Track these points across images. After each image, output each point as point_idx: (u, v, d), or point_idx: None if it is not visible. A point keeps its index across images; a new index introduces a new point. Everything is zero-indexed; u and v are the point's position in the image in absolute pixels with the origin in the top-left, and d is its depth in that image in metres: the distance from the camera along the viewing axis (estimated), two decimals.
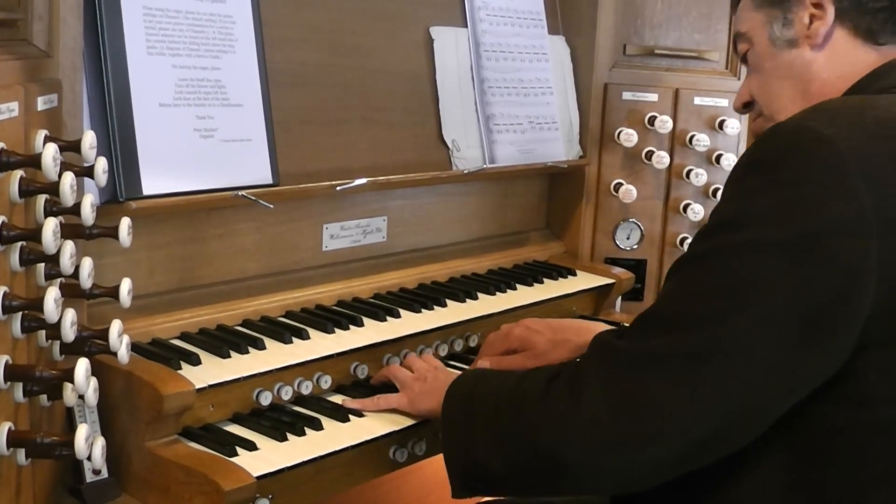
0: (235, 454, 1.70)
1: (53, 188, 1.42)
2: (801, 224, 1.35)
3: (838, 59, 1.64)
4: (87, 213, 1.48)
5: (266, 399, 1.87)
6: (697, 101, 2.86)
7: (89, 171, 1.52)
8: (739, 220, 1.41)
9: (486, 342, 2.18)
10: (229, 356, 1.88)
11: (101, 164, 1.53)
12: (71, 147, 1.51)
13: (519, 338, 2.12)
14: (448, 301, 2.32)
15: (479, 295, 2.40)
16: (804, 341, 1.36)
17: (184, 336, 1.97)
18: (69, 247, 1.44)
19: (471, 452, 1.63)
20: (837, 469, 1.41)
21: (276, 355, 1.92)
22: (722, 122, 2.84)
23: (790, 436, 1.43)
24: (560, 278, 2.65)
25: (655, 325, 1.45)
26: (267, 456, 1.71)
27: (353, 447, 1.79)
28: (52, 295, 1.37)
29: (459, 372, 1.99)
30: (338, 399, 1.96)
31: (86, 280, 1.52)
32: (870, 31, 1.62)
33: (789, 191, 1.37)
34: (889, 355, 1.38)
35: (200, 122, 1.96)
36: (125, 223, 1.57)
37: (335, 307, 2.23)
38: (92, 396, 1.48)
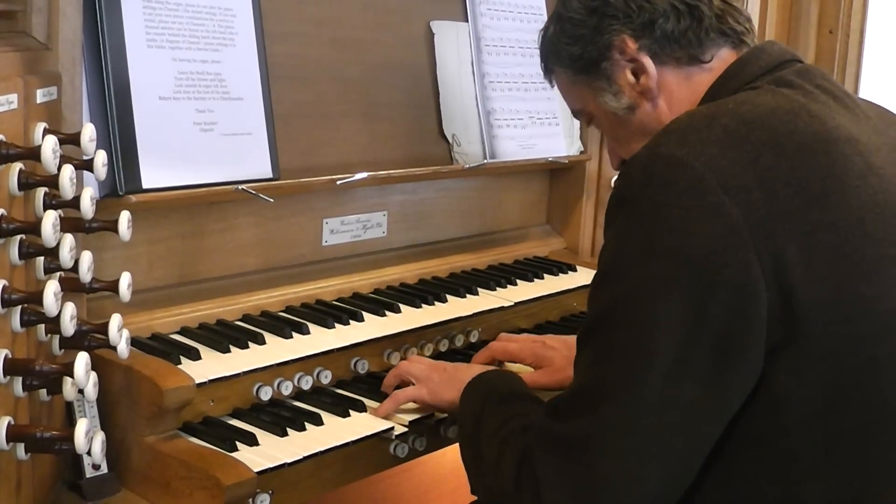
0: (236, 449, 1.69)
1: (53, 181, 1.42)
2: (674, 254, 1.34)
3: (679, 96, 1.62)
4: (87, 207, 1.47)
5: (266, 394, 1.86)
6: None
7: (89, 165, 1.52)
8: (617, 266, 1.41)
9: (492, 347, 2.14)
10: (229, 351, 1.87)
11: (101, 158, 1.53)
12: (70, 140, 1.51)
13: (534, 353, 2.10)
14: (448, 296, 2.32)
15: (480, 290, 2.39)
16: (720, 368, 1.35)
17: (183, 331, 1.96)
18: (69, 240, 1.43)
19: (475, 469, 1.66)
20: (768, 472, 1.41)
21: (276, 350, 1.91)
22: None
23: (719, 450, 1.42)
24: (560, 274, 2.64)
25: (582, 401, 1.43)
26: (267, 451, 1.70)
27: (353, 442, 1.78)
28: (52, 288, 1.36)
29: (475, 365, 1.99)
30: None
31: (85, 274, 1.51)
32: (692, 57, 1.61)
33: (655, 222, 1.36)
34: (793, 354, 1.37)
35: (200, 115, 1.96)
36: (125, 217, 1.57)
37: (335, 302, 2.22)
38: (91, 391, 1.47)
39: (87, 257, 1.51)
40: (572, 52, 1.68)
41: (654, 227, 1.36)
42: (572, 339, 2.14)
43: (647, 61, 1.61)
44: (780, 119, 1.43)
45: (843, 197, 1.39)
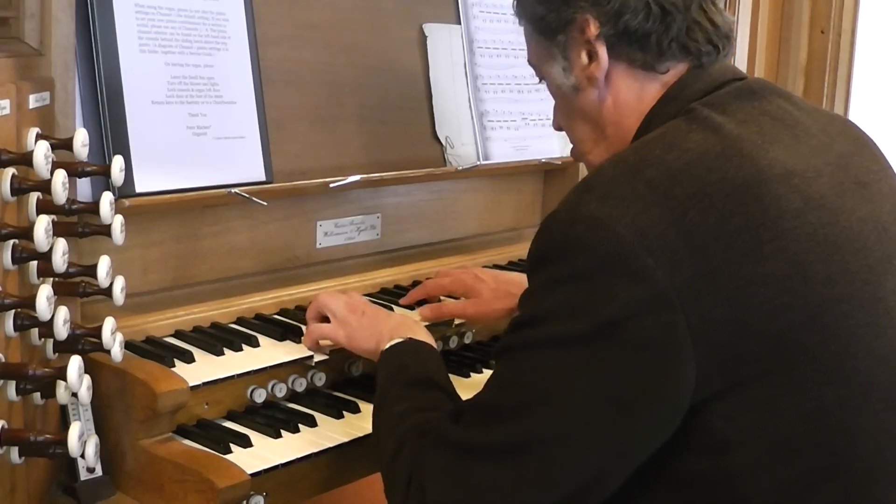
0: (230, 451, 1.70)
1: (45, 186, 1.42)
2: (594, 316, 1.32)
3: (627, 99, 1.57)
4: (106, 211, 1.51)
5: (260, 396, 1.87)
6: None
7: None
8: (536, 318, 1.39)
9: (426, 284, 2.24)
10: (223, 354, 1.88)
11: (118, 163, 1.56)
12: (63, 145, 1.52)
13: (464, 285, 2.18)
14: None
15: None
16: (620, 418, 1.34)
17: (178, 334, 1.97)
18: (61, 244, 1.44)
19: (375, 438, 1.67)
20: None
21: (270, 353, 1.92)
22: None
23: (664, 484, 1.41)
24: None
25: (480, 414, 1.44)
26: (261, 453, 1.71)
27: (347, 443, 1.79)
28: (45, 293, 1.37)
29: (392, 312, 2.02)
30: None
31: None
32: (647, 64, 1.55)
33: (575, 286, 1.34)
34: (730, 402, 1.35)
35: (193, 119, 1.96)
36: (118, 221, 1.57)
37: None
38: (85, 394, 1.48)
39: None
40: (536, 11, 1.62)
41: (575, 291, 1.34)
42: (503, 274, 2.27)
43: (602, 50, 1.55)
44: (708, 166, 1.37)
45: (780, 244, 1.34)
